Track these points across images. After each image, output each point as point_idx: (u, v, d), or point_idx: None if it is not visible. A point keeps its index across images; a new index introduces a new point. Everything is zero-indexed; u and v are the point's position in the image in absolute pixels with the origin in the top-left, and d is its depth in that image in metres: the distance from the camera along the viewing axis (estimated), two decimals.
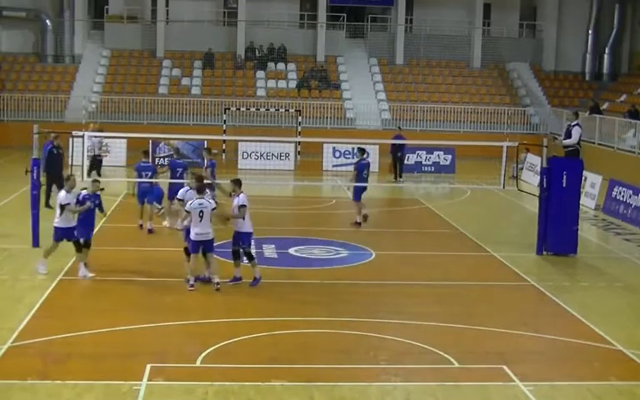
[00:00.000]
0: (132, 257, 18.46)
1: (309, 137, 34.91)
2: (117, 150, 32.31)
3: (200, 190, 15.84)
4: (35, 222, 18.63)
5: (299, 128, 36.06)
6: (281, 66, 42.77)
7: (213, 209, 15.65)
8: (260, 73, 42.21)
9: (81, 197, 16.39)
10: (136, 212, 21.30)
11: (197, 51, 42.67)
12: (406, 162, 32.85)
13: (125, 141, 32.46)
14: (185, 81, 41.46)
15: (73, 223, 16.27)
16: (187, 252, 15.79)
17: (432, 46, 44.53)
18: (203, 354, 12.16)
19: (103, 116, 38.14)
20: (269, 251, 19.07)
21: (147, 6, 43.62)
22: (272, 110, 38.14)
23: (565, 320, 14.77)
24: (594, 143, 33.97)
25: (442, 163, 34.71)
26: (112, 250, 19.00)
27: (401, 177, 31.56)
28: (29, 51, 42.66)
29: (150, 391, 10.88)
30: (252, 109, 38.21)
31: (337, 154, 34.32)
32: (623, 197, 24.88)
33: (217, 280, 15.55)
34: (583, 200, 23.76)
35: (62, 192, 16.36)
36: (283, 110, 38.20)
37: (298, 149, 34.73)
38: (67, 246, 18.92)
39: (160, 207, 21.03)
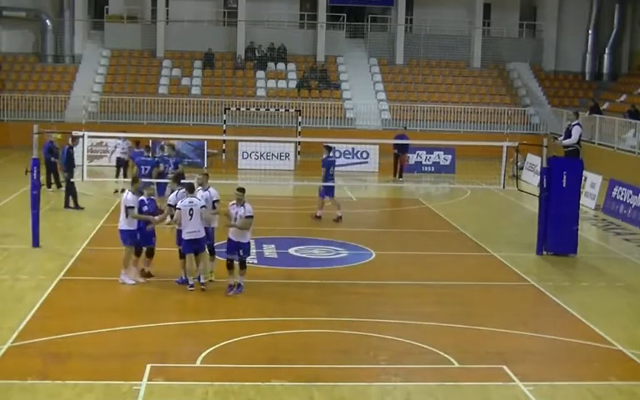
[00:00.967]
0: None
1: (309, 137, 34.90)
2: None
3: (190, 189, 15.76)
4: (35, 222, 18.63)
5: (299, 128, 36.06)
6: (281, 66, 42.77)
7: (202, 207, 15.57)
8: (260, 73, 42.21)
9: (140, 202, 16.00)
10: None
11: (197, 51, 42.66)
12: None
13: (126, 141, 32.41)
14: (185, 81, 41.46)
15: (136, 226, 16.01)
16: (182, 254, 15.75)
17: (432, 46, 44.51)
18: (203, 354, 12.16)
19: (103, 116, 38.17)
20: (269, 251, 19.07)
21: (147, 6, 43.61)
22: (272, 110, 38.13)
23: (565, 320, 14.78)
24: (594, 143, 33.97)
25: (442, 163, 34.69)
26: (112, 250, 18.99)
27: (401, 176, 31.55)
28: (29, 51, 42.64)
29: (150, 391, 10.88)
30: (252, 109, 38.20)
31: (338, 154, 34.26)
32: (623, 197, 24.88)
33: (202, 279, 15.50)
34: (583, 200, 23.76)
35: (129, 195, 15.93)
36: (283, 110, 38.19)
37: (298, 149, 34.73)
38: (67, 246, 18.96)
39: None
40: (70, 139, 24.32)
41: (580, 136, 20.78)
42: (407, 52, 44.26)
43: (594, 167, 27.33)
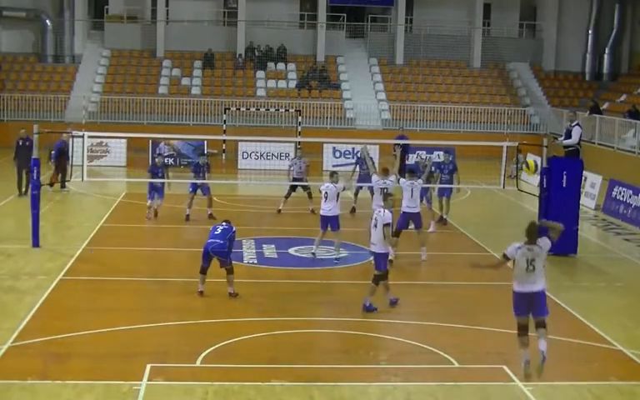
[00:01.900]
0: (132, 257, 18.47)
1: (309, 137, 34.88)
2: (117, 150, 32.35)
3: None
4: (35, 222, 18.62)
5: (299, 128, 36.05)
6: (281, 66, 42.76)
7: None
8: (260, 73, 42.20)
9: None
10: (136, 210, 21.29)
11: (197, 51, 42.65)
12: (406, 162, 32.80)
13: (125, 141, 32.47)
14: (185, 81, 41.45)
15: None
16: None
17: (432, 46, 44.50)
18: (203, 354, 12.16)
19: (103, 116, 38.17)
20: (269, 251, 19.06)
21: (147, 6, 43.60)
22: (272, 110, 38.13)
23: (565, 320, 14.77)
24: (594, 143, 33.97)
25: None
26: (112, 250, 19.01)
27: (403, 177, 31.42)
28: (29, 51, 42.64)
29: (150, 391, 10.88)
30: (252, 109, 38.20)
31: (337, 154, 34.33)
32: (623, 197, 24.88)
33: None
34: (583, 200, 23.76)
35: (387, 212, 15.66)
36: (283, 110, 38.19)
37: (298, 149, 34.65)
38: (67, 246, 18.96)
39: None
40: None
41: (580, 136, 20.80)
42: (407, 52, 44.25)
43: (594, 167, 27.33)
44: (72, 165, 21.99)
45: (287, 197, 23.73)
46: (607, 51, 45.16)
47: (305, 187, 23.85)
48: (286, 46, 43.21)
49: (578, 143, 20.62)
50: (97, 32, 43.67)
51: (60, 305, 14.69)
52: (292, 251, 19.00)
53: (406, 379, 11.62)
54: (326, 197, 18.08)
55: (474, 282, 17.02)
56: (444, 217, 22.99)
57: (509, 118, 40.49)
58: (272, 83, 41.81)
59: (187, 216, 21.81)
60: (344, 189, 18.61)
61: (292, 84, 41.75)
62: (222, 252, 14.96)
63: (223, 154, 34.73)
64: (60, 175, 25.77)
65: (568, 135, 20.70)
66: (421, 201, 19.90)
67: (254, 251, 18.93)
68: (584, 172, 21.23)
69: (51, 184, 25.50)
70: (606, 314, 15.06)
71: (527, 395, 11.11)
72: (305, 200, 23.94)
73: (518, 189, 21.96)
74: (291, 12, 45.01)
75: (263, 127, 37.60)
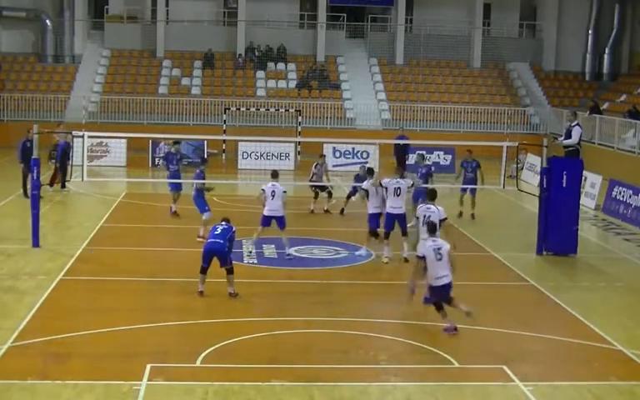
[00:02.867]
0: (132, 257, 18.47)
1: (309, 137, 34.90)
2: (117, 150, 32.35)
3: None
4: (35, 222, 18.62)
5: (299, 128, 36.06)
6: (281, 66, 42.76)
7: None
8: (260, 73, 42.21)
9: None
10: (136, 210, 21.27)
11: (197, 51, 42.66)
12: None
13: (125, 141, 32.47)
14: (185, 81, 41.45)
15: None
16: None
17: (432, 46, 44.51)
18: (203, 354, 12.16)
19: (103, 116, 38.17)
20: (269, 251, 19.06)
21: (147, 6, 43.61)
22: (272, 110, 38.13)
23: (565, 320, 14.77)
24: (594, 143, 33.96)
25: (442, 163, 34.68)
26: (112, 250, 19.01)
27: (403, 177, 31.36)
28: (29, 51, 42.66)
29: (150, 391, 10.88)
30: (252, 109, 38.20)
31: (337, 154, 34.33)
32: (623, 197, 24.88)
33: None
34: (583, 200, 23.76)
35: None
36: (283, 110, 38.19)
37: (298, 149, 34.72)
38: (67, 246, 18.96)
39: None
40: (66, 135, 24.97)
41: (580, 136, 20.82)
42: (407, 52, 44.26)
43: (594, 167, 27.33)
44: (72, 165, 22.00)
45: (316, 198, 24.27)
46: (607, 51, 45.17)
47: (323, 188, 24.14)
48: (286, 46, 43.22)
49: (578, 143, 20.64)
50: (97, 32, 43.69)
51: (60, 305, 14.68)
52: (292, 251, 18.98)
53: (406, 379, 11.62)
54: (273, 196, 18.20)
55: (474, 282, 17.02)
56: (472, 212, 23.56)
57: (509, 118, 40.49)
58: (272, 83, 41.82)
59: (172, 208, 22.26)
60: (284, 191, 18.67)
61: (292, 84, 41.76)
62: (222, 252, 14.95)
63: (223, 154, 34.73)
64: (60, 175, 25.75)
65: (568, 135, 20.72)
66: (415, 202, 19.89)
67: (254, 251, 18.93)
68: (584, 172, 21.23)
69: (51, 184, 25.50)
70: (606, 314, 15.06)
71: (527, 395, 11.11)
72: (305, 200, 23.94)
73: (518, 189, 21.97)
74: (291, 12, 45.02)
75: (263, 127, 37.60)
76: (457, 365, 12.19)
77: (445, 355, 12.48)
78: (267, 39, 43.37)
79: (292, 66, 42.81)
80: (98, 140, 31.93)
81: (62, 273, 16.51)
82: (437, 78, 43.65)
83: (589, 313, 14.90)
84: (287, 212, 22.10)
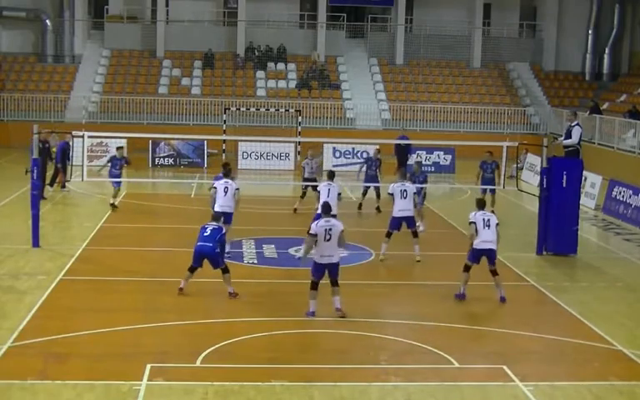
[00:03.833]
0: (132, 257, 18.47)
1: (309, 137, 34.89)
2: None
3: None
4: (35, 222, 18.63)
5: (299, 128, 36.06)
6: (281, 66, 42.76)
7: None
8: (260, 73, 42.21)
9: None
10: (136, 210, 21.26)
11: (197, 51, 42.67)
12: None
13: (125, 141, 32.43)
14: (185, 81, 41.45)
15: None
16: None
17: (432, 46, 44.51)
18: (203, 354, 12.16)
19: (103, 116, 38.17)
20: (269, 251, 19.06)
21: (147, 6, 43.62)
22: (272, 110, 38.12)
23: (565, 320, 14.78)
24: (594, 143, 33.97)
25: (442, 163, 34.71)
26: (112, 250, 19.01)
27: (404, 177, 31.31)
28: (29, 51, 42.65)
29: (150, 391, 10.88)
30: (252, 109, 38.19)
31: (337, 154, 34.33)
32: (623, 197, 24.88)
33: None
34: (583, 200, 23.75)
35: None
36: (283, 110, 38.19)
37: (298, 149, 34.71)
38: (67, 246, 18.97)
39: None
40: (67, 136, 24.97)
41: (580, 136, 20.86)
42: (407, 52, 44.26)
43: (594, 167, 27.33)
44: (72, 165, 22.01)
45: (302, 197, 23.89)
46: (607, 51, 45.16)
47: (315, 188, 23.73)
48: (286, 46, 43.22)
49: (578, 143, 20.65)
50: (97, 32, 43.68)
51: (60, 305, 14.68)
52: (292, 251, 18.99)
53: (406, 379, 11.62)
54: (225, 193, 18.16)
55: (474, 282, 17.01)
56: (492, 210, 23.19)
57: (509, 118, 40.49)
58: (272, 83, 41.81)
59: (112, 204, 23.02)
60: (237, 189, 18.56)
61: (292, 84, 41.75)
62: (211, 254, 14.98)
63: (223, 154, 34.72)
64: (62, 175, 25.75)
65: (568, 135, 20.73)
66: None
67: (254, 251, 18.93)
68: (584, 172, 21.23)
69: (51, 184, 25.50)
70: (606, 314, 15.05)
71: (527, 395, 11.11)
72: (305, 200, 23.92)
73: (518, 189, 21.97)
74: (291, 12, 45.01)
75: (263, 127, 37.60)
76: (456, 365, 12.19)
77: (445, 355, 12.48)
78: (267, 39, 43.38)
79: (292, 66, 42.81)
80: (98, 140, 31.94)
81: (62, 273, 16.51)
82: (437, 78, 43.64)
83: (589, 313, 14.90)
84: (286, 212, 22.07)
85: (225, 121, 35.78)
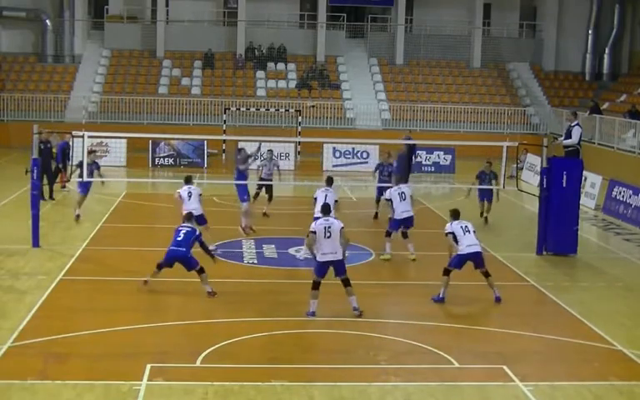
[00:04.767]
0: (132, 257, 18.46)
1: (309, 137, 34.89)
2: (117, 150, 32.37)
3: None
4: (35, 222, 18.62)
5: (299, 128, 36.05)
6: (281, 66, 42.76)
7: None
8: (260, 73, 42.21)
9: None
10: (136, 210, 21.22)
11: (197, 51, 42.68)
12: None
13: (125, 141, 32.48)
14: (185, 81, 41.45)
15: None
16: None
17: (432, 46, 44.52)
18: (203, 354, 12.16)
19: (103, 116, 38.17)
20: (269, 251, 19.06)
21: (147, 6, 43.63)
22: (272, 110, 38.13)
23: (565, 320, 14.78)
24: (594, 143, 33.96)
25: (442, 163, 34.70)
26: (112, 250, 19.01)
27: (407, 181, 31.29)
28: (29, 51, 42.66)
29: (150, 391, 10.88)
30: (252, 109, 38.21)
31: (337, 154, 34.33)
32: (623, 197, 24.88)
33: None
34: (583, 200, 23.76)
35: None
36: (283, 110, 38.19)
37: (298, 149, 34.72)
38: (67, 246, 18.97)
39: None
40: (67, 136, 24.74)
41: (580, 136, 20.88)
42: (407, 52, 44.26)
43: (594, 167, 27.33)
44: (72, 165, 21.98)
45: (255, 198, 22.91)
46: (607, 51, 45.16)
47: (268, 190, 23.39)
48: (286, 46, 43.23)
49: (578, 143, 20.66)
50: (97, 32, 43.68)
51: (60, 305, 14.68)
52: (292, 251, 19.00)
53: (406, 379, 11.62)
54: (189, 197, 18.19)
55: (474, 282, 17.02)
56: (486, 216, 23.35)
57: (509, 118, 40.50)
58: (272, 83, 41.82)
59: (78, 216, 21.82)
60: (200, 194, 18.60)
61: (292, 84, 41.75)
62: (184, 258, 15.11)
63: (223, 154, 34.73)
64: (60, 175, 25.76)
65: (568, 135, 20.74)
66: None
67: (254, 251, 18.93)
68: (584, 172, 21.23)
69: (63, 185, 25.54)
70: (606, 314, 15.05)
71: (527, 395, 11.11)
72: (305, 200, 23.90)
73: (518, 189, 21.97)
74: (291, 12, 45.01)
75: (263, 127, 37.61)
76: (456, 365, 12.19)
77: (445, 355, 12.48)
78: (267, 39, 43.38)
79: (292, 66, 42.81)
80: (98, 140, 31.93)
81: (62, 273, 16.52)
82: (437, 78, 43.64)
83: (589, 313, 14.90)
84: (286, 212, 22.07)
85: (225, 121, 35.82)
